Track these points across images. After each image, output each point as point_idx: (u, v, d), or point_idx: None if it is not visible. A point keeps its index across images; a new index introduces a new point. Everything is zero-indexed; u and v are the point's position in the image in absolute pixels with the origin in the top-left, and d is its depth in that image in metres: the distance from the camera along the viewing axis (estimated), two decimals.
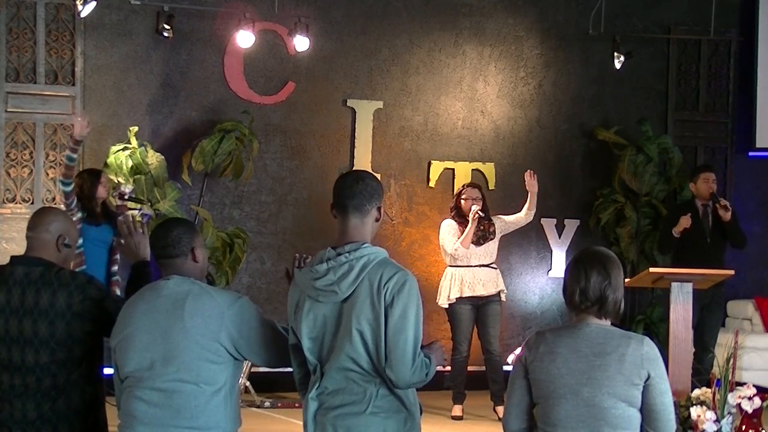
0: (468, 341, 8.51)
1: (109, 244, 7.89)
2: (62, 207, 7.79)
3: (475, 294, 8.46)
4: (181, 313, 3.80)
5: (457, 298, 8.47)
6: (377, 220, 3.80)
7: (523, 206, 8.80)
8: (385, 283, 3.61)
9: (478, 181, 9.91)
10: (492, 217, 8.67)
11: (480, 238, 8.53)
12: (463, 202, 8.60)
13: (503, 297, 8.65)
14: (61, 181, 7.90)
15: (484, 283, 8.48)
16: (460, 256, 8.50)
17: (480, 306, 8.51)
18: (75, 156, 7.81)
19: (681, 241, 8.67)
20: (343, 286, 3.63)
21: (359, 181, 3.79)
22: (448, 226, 8.66)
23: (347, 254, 3.66)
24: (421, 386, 3.69)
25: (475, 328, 8.58)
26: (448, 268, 8.61)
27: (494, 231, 8.61)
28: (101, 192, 7.93)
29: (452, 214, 8.71)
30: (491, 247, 8.60)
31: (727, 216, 8.61)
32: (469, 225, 8.46)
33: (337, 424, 3.65)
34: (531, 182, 8.77)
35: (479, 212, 8.45)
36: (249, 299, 3.94)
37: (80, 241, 7.45)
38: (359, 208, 3.75)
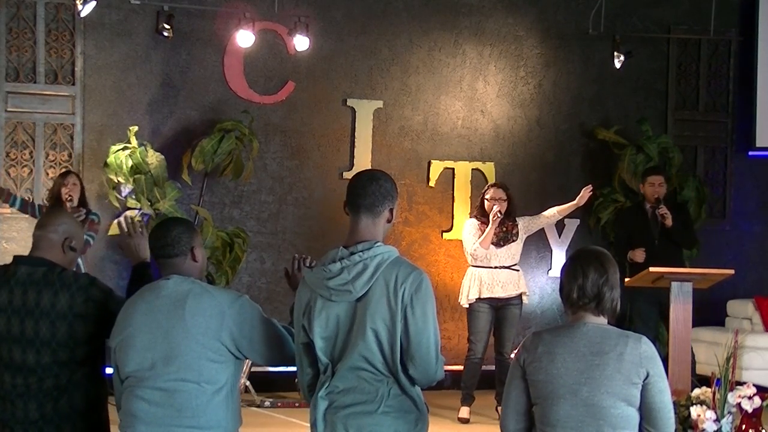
0: (484, 343, 8.41)
1: None
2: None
3: (493, 295, 8.35)
4: (182, 312, 3.79)
5: (476, 299, 8.38)
6: (389, 221, 3.78)
7: (556, 206, 8.72)
8: (402, 283, 3.61)
9: (477, 181, 9.93)
10: (517, 218, 8.55)
11: (501, 239, 8.40)
12: (487, 202, 8.46)
13: (525, 299, 8.56)
14: (7, 205, 8.39)
15: (503, 284, 8.37)
16: (480, 257, 8.40)
17: (499, 308, 8.41)
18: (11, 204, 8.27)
19: (631, 243, 8.78)
20: (358, 285, 3.62)
21: (373, 181, 3.75)
22: (470, 225, 8.55)
23: (361, 253, 3.65)
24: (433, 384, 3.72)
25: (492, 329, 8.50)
26: (470, 267, 8.49)
27: (517, 232, 8.47)
28: (63, 193, 8.15)
29: (476, 213, 8.59)
30: (513, 249, 8.47)
31: (668, 222, 8.66)
32: (489, 225, 8.34)
33: (348, 423, 3.64)
34: (584, 196, 8.68)
35: (499, 213, 8.32)
36: (249, 298, 3.94)
37: None
38: (371, 208, 3.72)
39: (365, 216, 3.73)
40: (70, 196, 8.15)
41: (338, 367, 3.66)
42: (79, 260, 8.10)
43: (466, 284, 8.47)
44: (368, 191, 3.72)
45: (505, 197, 8.46)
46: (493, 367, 8.64)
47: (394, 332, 3.59)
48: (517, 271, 8.50)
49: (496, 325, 8.46)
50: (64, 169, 8.85)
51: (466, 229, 8.60)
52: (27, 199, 8.39)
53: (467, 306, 8.45)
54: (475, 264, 8.45)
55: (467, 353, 8.50)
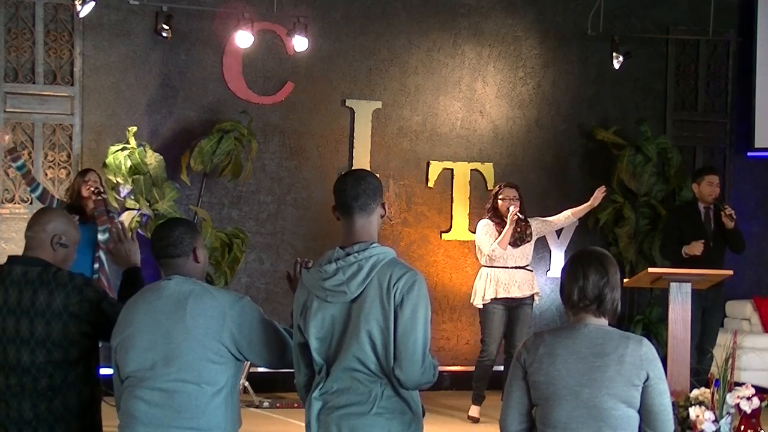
0: (497, 344, 8.39)
1: (93, 242, 7.87)
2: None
3: (509, 295, 8.34)
4: (183, 313, 3.80)
5: (491, 299, 8.36)
6: (382, 216, 3.80)
7: (570, 209, 8.71)
8: (395, 283, 3.61)
9: (476, 182, 9.94)
10: (528, 219, 8.55)
11: (517, 240, 8.39)
12: (500, 202, 8.44)
13: (537, 300, 8.56)
14: (28, 190, 8.26)
15: (519, 285, 8.37)
16: (497, 257, 8.37)
17: (512, 308, 8.40)
18: (17, 164, 7.99)
19: (683, 243, 8.56)
20: (353, 286, 3.63)
21: (361, 181, 3.76)
22: (485, 226, 8.50)
23: (356, 254, 3.66)
24: (427, 387, 3.70)
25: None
26: (483, 268, 8.46)
27: (531, 233, 8.48)
28: (83, 191, 7.97)
29: (489, 214, 8.54)
30: (527, 249, 8.48)
31: (731, 225, 8.55)
32: (507, 226, 8.31)
33: (341, 424, 3.65)
34: (598, 197, 8.68)
35: (517, 213, 8.34)
36: (250, 300, 3.94)
37: None
38: (364, 207, 3.74)
39: (359, 216, 3.74)
40: (96, 188, 7.92)
41: (332, 368, 3.67)
42: (102, 255, 8.02)
43: (480, 285, 8.44)
44: (359, 192, 3.73)
45: (518, 196, 8.47)
46: (500, 367, 8.62)
47: (387, 333, 3.60)
48: (531, 271, 8.52)
49: (508, 326, 8.44)
50: (63, 170, 8.85)
51: (481, 230, 8.54)
52: (47, 190, 8.25)
53: (481, 306, 8.42)
54: (491, 264, 8.43)
55: (480, 354, 8.47)
